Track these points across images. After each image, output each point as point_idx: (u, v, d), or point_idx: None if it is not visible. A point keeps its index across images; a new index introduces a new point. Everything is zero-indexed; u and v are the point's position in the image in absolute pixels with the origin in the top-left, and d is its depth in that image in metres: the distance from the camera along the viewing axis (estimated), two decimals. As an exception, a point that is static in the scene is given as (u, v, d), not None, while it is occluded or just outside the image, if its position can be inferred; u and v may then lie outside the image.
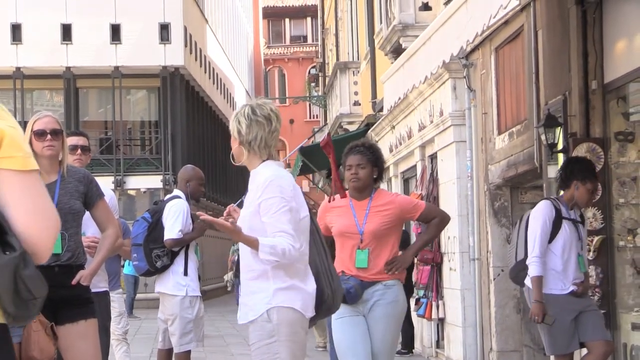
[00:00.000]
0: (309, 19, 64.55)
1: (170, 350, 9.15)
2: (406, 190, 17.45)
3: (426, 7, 15.42)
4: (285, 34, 66.93)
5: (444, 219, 7.12)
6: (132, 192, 35.83)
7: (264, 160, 5.39)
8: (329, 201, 7.08)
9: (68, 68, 34.53)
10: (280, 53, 65.53)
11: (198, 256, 9.40)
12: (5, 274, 2.41)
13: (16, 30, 33.45)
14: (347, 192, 7.10)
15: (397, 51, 15.79)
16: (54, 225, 2.54)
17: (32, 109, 33.84)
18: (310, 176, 27.19)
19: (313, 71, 50.74)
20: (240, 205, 5.55)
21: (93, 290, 6.29)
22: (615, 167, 8.84)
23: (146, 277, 9.53)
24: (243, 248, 5.40)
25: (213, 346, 16.49)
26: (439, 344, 14.45)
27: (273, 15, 66.73)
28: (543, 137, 9.40)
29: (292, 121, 57.70)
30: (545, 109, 9.72)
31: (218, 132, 44.87)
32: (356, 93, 24.64)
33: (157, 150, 35.69)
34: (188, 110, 36.62)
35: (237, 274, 31.86)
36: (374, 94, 20.11)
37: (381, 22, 18.87)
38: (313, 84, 45.42)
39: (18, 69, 33.83)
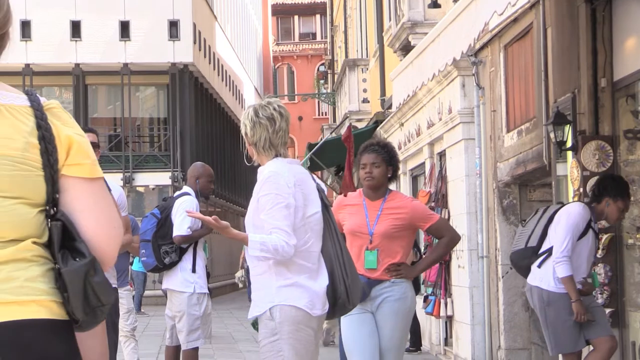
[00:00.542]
0: (318, 16, 64.55)
1: (178, 347, 9.16)
2: (415, 188, 17.45)
3: (435, 4, 15.40)
4: (294, 31, 66.93)
5: (454, 239, 7.07)
6: (140, 189, 35.88)
7: (272, 158, 5.43)
8: (345, 194, 7.07)
9: (77, 65, 34.59)
10: (289, 50, 65.54)
11: (207, 253, 9.41)
12: (76, 280, 2.43)
13: (25, 27, 33.52)
14: (359, 190, 7.10)
15: (406, 48, 15.78)
16: (120, 233, 2.58)
17: (42, 106, 33.82)
18: (319, 173, 27.20)
19: (322, 68, 50.77)
20: None
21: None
22: (624, 165, 8.82)
23: (154, 273, 9.55)
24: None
25: (221, 343, 16.51)
26: (447, 341, 14.45)
27: (282, 13, 66.74)
28: (552, 135, 9.38)
29: (300, 118, 57.73)
30: (554, 106, 9.70)
31: (227, 129, 44.90)
32: (365, 90, 24.63)
33: (166, 147, 35.72)
34: (197, 107, 36.65)
35: (248, 271, 31.96)
36: (383, 92, 20.11)
37: (390, 20, 18.87)
38: (322, 81, 45.46)
39: (27, 65, 33.89)
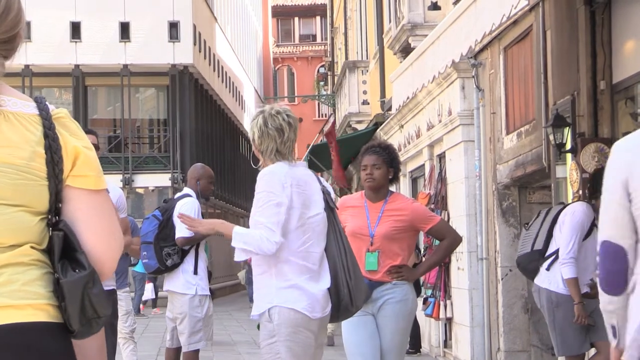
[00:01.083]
0: (318, 17, 64.56)
1: (178, 349, 9.16)
2: (414, 190, 17.46)
3: (435, 6, 15.41)
4: (294, 33, 66.93)
5: (455, 241, 7.08)
6: (140, 190, 35.88)
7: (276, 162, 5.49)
8: (342, 186, 7.09)
9: (77, 66, 34.60)
10: (289, 52, 65.54)
11: (207, 254, 9.41)
12: (75, 291, 2.45)
13: (25, 28, 33.52)
14: (361, 192, 7.12)
15: (406, 50, 15.79)
16: (120, 245, 2.60)
17: (41, 107, 33.82)
18: (318, 174, 27.18)
19: (322, 70, 50.76)
20: None
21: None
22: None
23: (155, 275, 9.55)
24: None
25: (221, 345, 16.51)
26: (446, 343, 14.45)
27: (282, 14, 66.74)
28: (551, 137, 9.39)
29: (300, 120, 57.66)
30: (553, 109, 9.71)
31: (226, 131, 44.91)
32: (365, 92, 24.64)
33: (166, 149, 35.73)
34: (197, 108, 36.65)
35: (249, 271, 31.97)
36: (383, 93, 20.11)
37: (390, 21, 18.88)
38: (322, 83, 45.44)
39: (27, 66, 33.88)
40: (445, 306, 13.85)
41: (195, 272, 8.89)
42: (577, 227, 7.60)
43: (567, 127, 9.20)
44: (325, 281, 5.44)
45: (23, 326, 2.39)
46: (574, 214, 7.68)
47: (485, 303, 12.50)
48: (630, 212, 3.46)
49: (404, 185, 18.05)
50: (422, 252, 15.06)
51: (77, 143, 2.53)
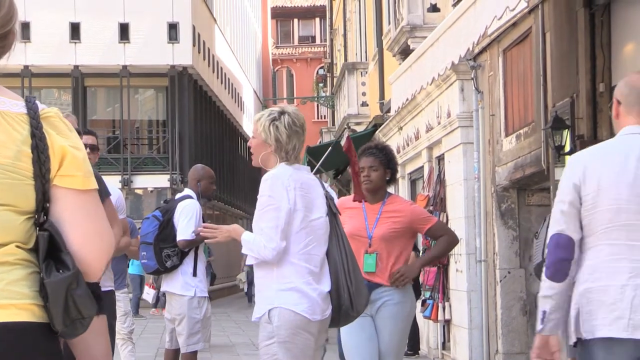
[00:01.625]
0: (317, 19, 64.57)
1: (177, 350, 9.16)
2: (413, 192, 17.46)
3: (434, 8, 15.41)
4: (293, 34, 66.94)
5: (454, 240, 7.12)
6: (139, 191, 35.88)
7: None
8: (354, 200, 7.07)
9: (76, 67, 34.59)
10: (288, 53, 65.55)
11: (206, 255, 9.40)
12: (58, 292, 2.45)
13: (25, 29, 33.50)
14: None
15: (405, 52, 15.79)
16: (108, 247, 2.59)
17: (40, 108, 33.81)
18: (317, 177, 27.16)
19: (321, 71, 50.77)
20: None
21: (99, 289, 6.35)
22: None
23: (154, 276, 9.55)
24: None
25: (219, 346, 16.50)
26: (444, 345, 14.45)
27: (282, 16, 66.75)
28: (550, 140, 9.39)
29: (299, 121, 57.63)
30: (552, 111, 9.71)
31: (226, 132, 44.91)
32: (364, 94, 24.64)
33: (165, 150, 35.73)
34: (196, 109, 36.65)
35: (248, 273, 31.96)
36: (382, 95, 20.12)
37: (389, 23, 18.88)
38: (321, 85, 45.46)
39: (26, 67, 33.88)
40: (444, 308, 13.85)
41: (194, 274, 8.88)
42: None
43: (566, 130, 9.20)
44: (326, 284, 5.45)
45: (5, 325, 2.39)
46: None
47: (484, 305, 12.50)
48: (580, 213, 4.19)
49: (402, 187, 18.05)
50: (420, 253, 15.05)
51: (64, 143, 2.52)
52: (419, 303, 14.37)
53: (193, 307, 8.86)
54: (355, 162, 6.98)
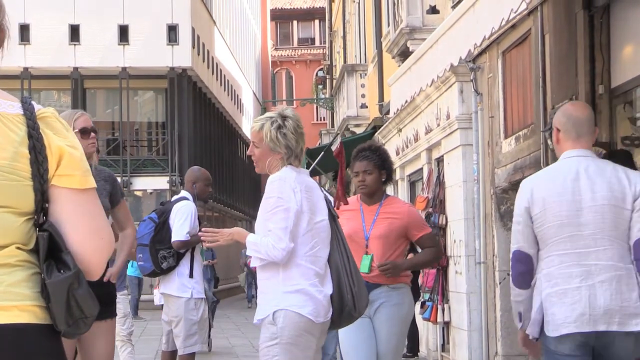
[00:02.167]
0: (316, 21, 64.58)
1: (174, 352, 9.16)
2: (412, 194, 17.46)
3: (434, 10, 15.41)
4: (293, 36, 66.95)
5: (439, 254, 7.29)
6: (138, 193, 35.87)
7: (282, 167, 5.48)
8: (338, 206, 7.08)
9: (76, 68, 34.60)
10: (287, 55, 65.56)
11: (202, 257, 9.41)
12: (60, 292, 2.45)
13: (24, 31, 33.52)
14: (357, 195, 7.12)
15: (404, 54, 15.79)
16: (108, 245, 2.58)
17: (40, 109, 33.81)
18: (317, 178, 27.21)
19: (320, 73, 50.74)
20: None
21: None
22: (622, 172, 8.80)
23: (151, 277, 9.56)
24: None
25: (218, 348, 16.49)
26: (444, 347, 14.44)
27: (281, 17, 66.76)
28: (549, 141, 9.37)
29: (299, 123, 57.56)
30: (552, 113, 9.67)
31: (225, 134, 44.90)
32: (363, 96, 24.65)
33: (164, 152, 35.72)
34: (195, 111, 36.65)
35: (253, 276, 31.92)
36: (381, 97, 20.12)
37: (389, 25, 18.87)
38: (320, 86, 45.47)
39: (26, 69, 33.89)
40: (443, 310, 13.84)
41: (191, 275, 8.89)
42: None
43: (566, 131, 9.18)
44: (329, 286, 5.47)
45: (7, 327, 2.39)
46: None
47: (483, 307, 12.49)
48: (533, 230, 5.01)
49: (402, 189, 18.05)
50: (420, 255, 15.04)
51: (61, 142, 2.52)
52: (418, 305, 14.37)
53: (190, 309, 8.86)
54: (343, 168, 7.01)
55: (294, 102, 54.73)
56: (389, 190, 19.36)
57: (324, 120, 53.11)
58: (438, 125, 14.14)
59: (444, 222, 13.93)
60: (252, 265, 5.67)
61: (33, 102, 2.55)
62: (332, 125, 34.98)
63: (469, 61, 12.37)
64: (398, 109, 14.13)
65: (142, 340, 17.54)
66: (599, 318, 4.86)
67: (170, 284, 8.91)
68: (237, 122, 49.08)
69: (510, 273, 5.14)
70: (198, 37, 36.74)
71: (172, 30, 34.64)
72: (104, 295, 6.21)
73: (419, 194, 15.73)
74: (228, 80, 45.73)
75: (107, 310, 6.25)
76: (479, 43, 8.65)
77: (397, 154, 17.59)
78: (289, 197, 5.33)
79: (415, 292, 14.86)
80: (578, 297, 4.87)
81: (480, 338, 12.57)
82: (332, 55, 37.23)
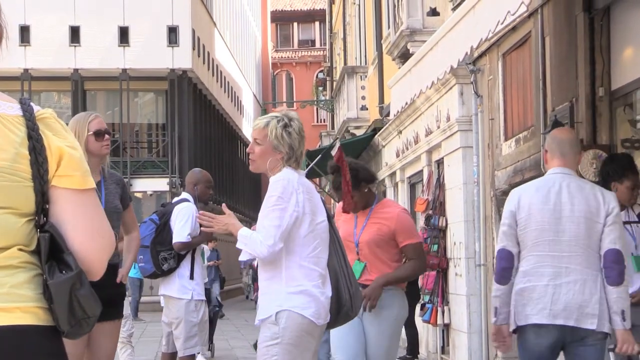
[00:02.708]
0: (317, 23, 64.58)
1: (174, 353, 9.16)
2: (412, 196, 17.45)
3: (434, 12, 15.41)
4: (293, 38, 66.96)
5: (421, 268, 7.14)
6: (138, 195, 35.85)
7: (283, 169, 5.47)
8: (343, 211, 7.08)
9: (76, 70, 34.59)
10: (288, 57, 65.56)
11: (203, 258, 9.41)
12: (62, 293, 2.45)
13: (24, 32, 33.51)
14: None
15: (404, 56, 15.79)
16: (109, 244, 2.59)
17: (40, 111, 33.82)
18: (317, 180, 27.21)
19: (321, 75, 50.77)
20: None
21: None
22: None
23: (151, 279, 9.56)
24: None
25: (217, 349, 16.48)
26: (444, 349, 14.43)
27: (281, 19, 66.77)
28: (549, 144, 9.37)
29: (299, 125, 57.53)
30: (552, 115, 9.70)
31: (225, 135, 44.89)
32: (363, 97, 24.65)
33: (164, 153, 35.72)
34: (195, 113, 36.64)
35: (255, 277, 31.90)
36: (381, 99, 20.12)
37: (389, 27, 18.88)
38: (320, 88, 45.49)
39: (26, 70, 33.88)
40: (443, 312, 13.84)
41: (192, 277, 8.89)
42: None
43: (566, 134, 9.18)
44: (329, 288, 5.49)
45: (10, 329, 2.39)
46: None
47: (483, 309, 12.49)
48: (517, 232, 5.80)
49: (402, 191, 18.05)
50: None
51: (61, 143, 2.52)
52: (418, 307, 14.37)
53: (190, 311, 8.86)
54: (347, 172, 6.99)
55: (294, 103, 54.76)
56: (389, 191, 19.37)
57: (324, 122, 53.10)
58: (438, 127, 14.15)
59: (444, 225, 13.93)
60: (239, 259, 5.66)
61: (32, 103, 2.55)
62: (332, 127, 34.98)
63: (469, 63, 12.38)
64: (398, 111, 14.12)
65: (142, 342, 17.53)
66: (559, 313, 5.62)
67: (171, 286, 8.91)
68: (237, 123, 49.07)
69: (494, 269, 5.92)
70: (198, 39, 36.74)
71: (173, 31, 34.64)
72: (116, 296, 6.34)
73: (419, 196, 15.73)
74: (228, 82, 45.72)
75: (117, 311, 6.34)
76: (479, 45, 8.65)
77: (397, 156, 17.59)
78: (290, 198, 5.32)
79: (415, 294, 14.87)
80: (544, 293, 5.66)
81: (480, 340, 12.57)
82: (332, 57, 37.24)
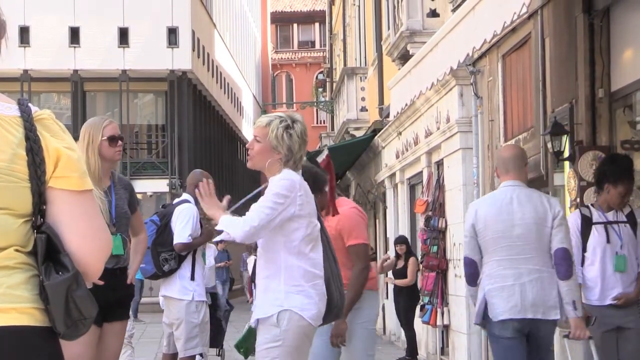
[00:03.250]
0: (317, 24, 64.56)
1: (175, 354, 9.16)
2: (412, 197, 17.45)
3: (434, 13, 15.42)
4: (293, 39, 66.94)
5: (364, 270, 6.82)
6: (138, 196, 35.71)
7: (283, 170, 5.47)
8: (332, 215, 7.05)
9: (76, 71, 34.58)
10: (288, 58, 65.55)
11: (204, 260, 9.40)
12: (58, 294, 2.44)
13: (24, 33, 33.50)
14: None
15: (404, 57, 15.80)
16: (106, 246, 2.58)
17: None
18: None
19: (320, 76, 50.76)
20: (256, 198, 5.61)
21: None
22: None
23: (152, 280, 9.56)
24: (259, 250, 5.50)
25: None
26: (443, 350, 14.44)
27: (281, 20, 66.76)
28: (549, 145, 9.39)
29: (298, 126, 57.51)
30: (551, 116, 9.71)
31: (225, 137, 44.89)
32: (363, 99, 24.65)
33: (164, 154, 35.71)
34: (195, 114, 36.64)
35: (253, 278, 31.89)
36: (381, 100, 20.12)
37: (389, 28, 18.88)
38: (320, 90, 45.46)
39: (26, 71, 33.87)
40: (442, 313, 13.84)
41: (192, 278, 8.88)
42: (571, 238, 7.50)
43: (565, 135, 9.19)
44: (324, 289, 5.48)
45: (6, 329, 2.39)
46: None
47: (483, 310, 12.48)
48: (478, 242, 6.66)
49: (401, 192, 18.05)
50: (419, 259, 15.05)
51: (58, 144, 2.51)
52: (417, 308, 14.37)
53: (191, 312, 8.85)
54: (333, 177, 6.99)
55: (294, 105, 54.76)
56: (389, 193, 19.37)
57: (324, 123, 53.08)
58: (438, 128, 14.15)
59: (443, 226, 13.93)
60: (213, 240, 5.65)
61: (30, 104, 2.55)
62: (332, 129, 34.99)
63: (469, 64, 12.38)
64: (398, 112, 14.13)
65: (142, 343, 17.52)
66: (528, 308, 6.46)
67: (172, 287, 8.90)
68: (237, 125, 49.06)
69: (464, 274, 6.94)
70: (198, 40, 36.74)
71: (172, 32, 34.63)
72: (127, 297, 6.41)
73: (419, 197, 15.73)
74: (228, 83, 45.71)
75: (126, 311, 6.43)
76: (479, 46, 8.65)
77: (397, 157, 17.60)
78: (289, 197, 5.30)
79: (415, 295, 14.88)
80: (512, 292, 6.48)
81: (480, 341, 12.57)
82: (332, 58, 37.24)
